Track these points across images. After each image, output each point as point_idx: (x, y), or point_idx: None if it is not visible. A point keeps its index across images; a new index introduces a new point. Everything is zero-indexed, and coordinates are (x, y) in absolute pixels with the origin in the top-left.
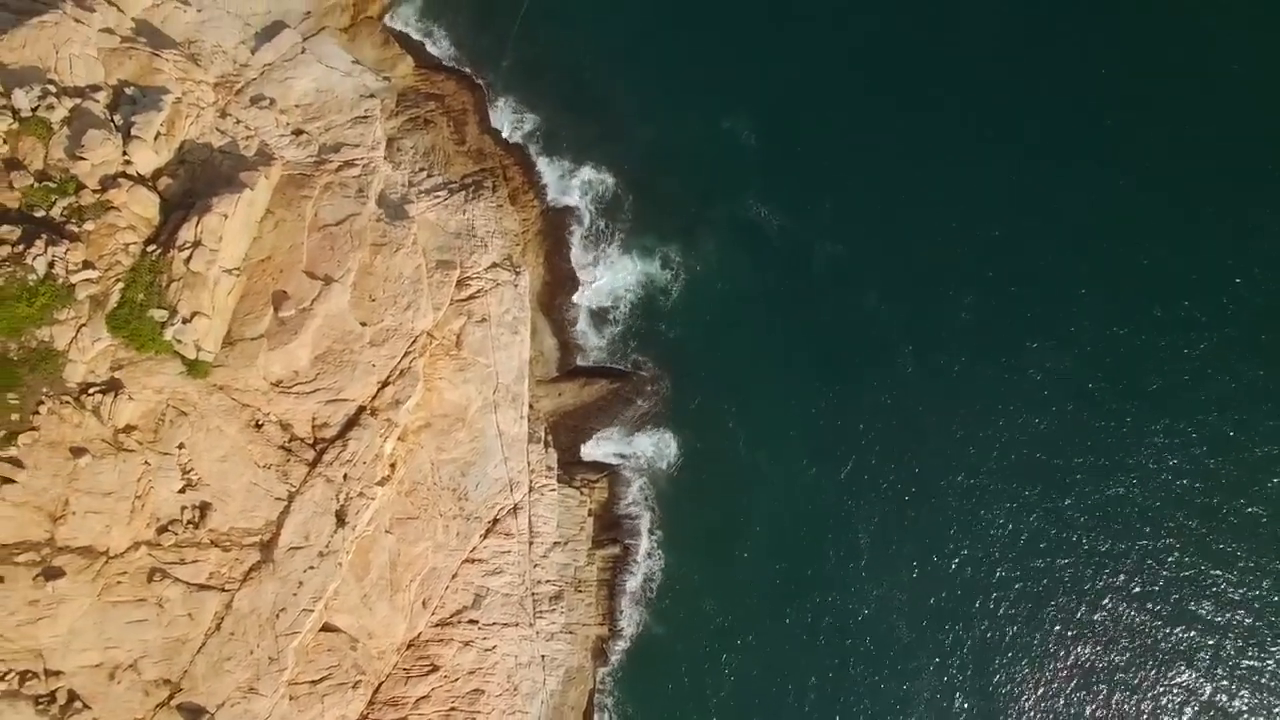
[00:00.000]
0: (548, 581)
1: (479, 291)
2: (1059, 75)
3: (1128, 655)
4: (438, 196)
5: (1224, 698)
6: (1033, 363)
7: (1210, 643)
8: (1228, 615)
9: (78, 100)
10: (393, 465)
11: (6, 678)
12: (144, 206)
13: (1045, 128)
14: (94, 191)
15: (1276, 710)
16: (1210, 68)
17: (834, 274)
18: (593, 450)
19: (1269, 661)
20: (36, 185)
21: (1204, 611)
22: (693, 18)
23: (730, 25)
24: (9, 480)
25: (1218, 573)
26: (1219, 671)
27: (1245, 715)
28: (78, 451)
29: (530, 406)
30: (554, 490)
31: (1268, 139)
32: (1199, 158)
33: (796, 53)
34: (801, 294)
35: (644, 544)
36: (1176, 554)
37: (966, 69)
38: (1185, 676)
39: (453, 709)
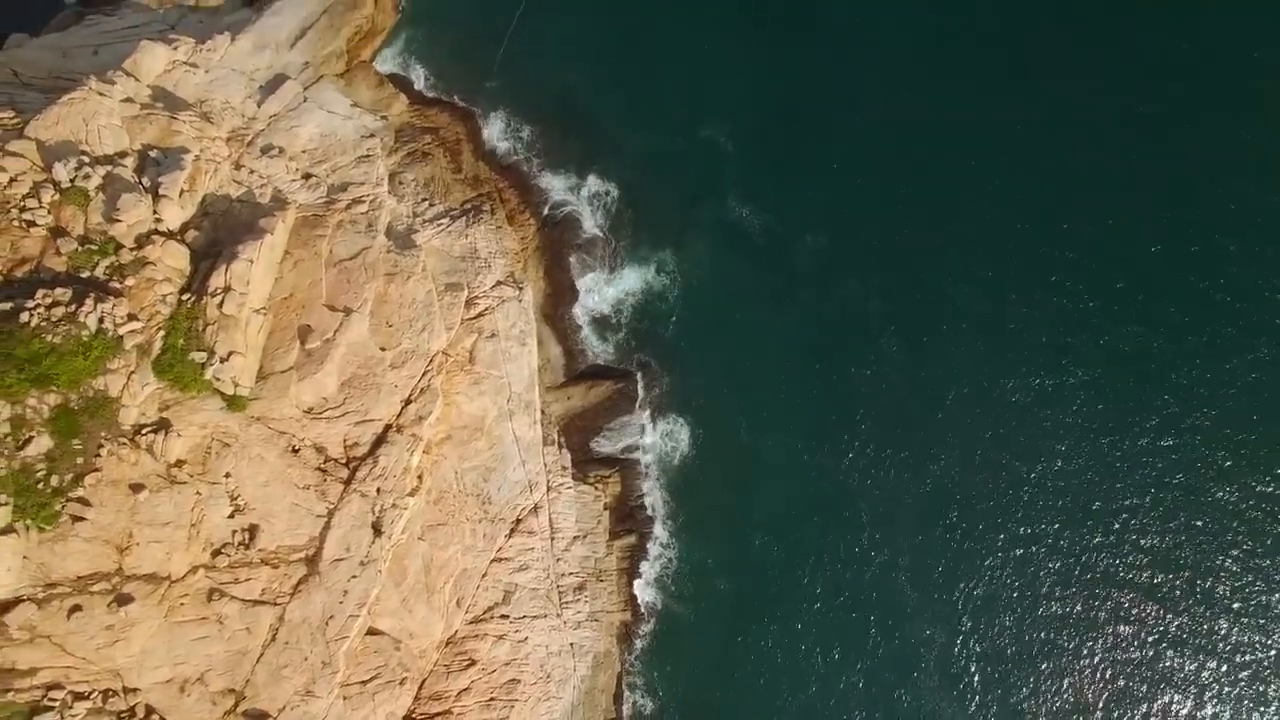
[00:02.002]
0: (571, 574)
1: (486, 309)
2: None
3: (1124, 609)
4: (441, 224)
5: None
6: (1010, 332)
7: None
8: (1218, 559)
9: (109, 167)
10: (420, 477)
11: (91, 697)
12: (176, 259)
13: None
14: (131, 249)
15: None
16: None
17: (818, 264)
18: (603, 447)
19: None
20: (80, 249)
21: (1198, 558)
22: (665, 36)
23: (701, 41)
24: (80, 518)
25: (1206, 523)
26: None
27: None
28: (136, 488)
29: (542, 412)
30: (570, 488)
31: None
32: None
33: (765, 63)
34: (789, 285)
35: (658, 532)
36: (1168, 511)
37: (929, 63)
38: (1177, 625)
39: (492, 699)
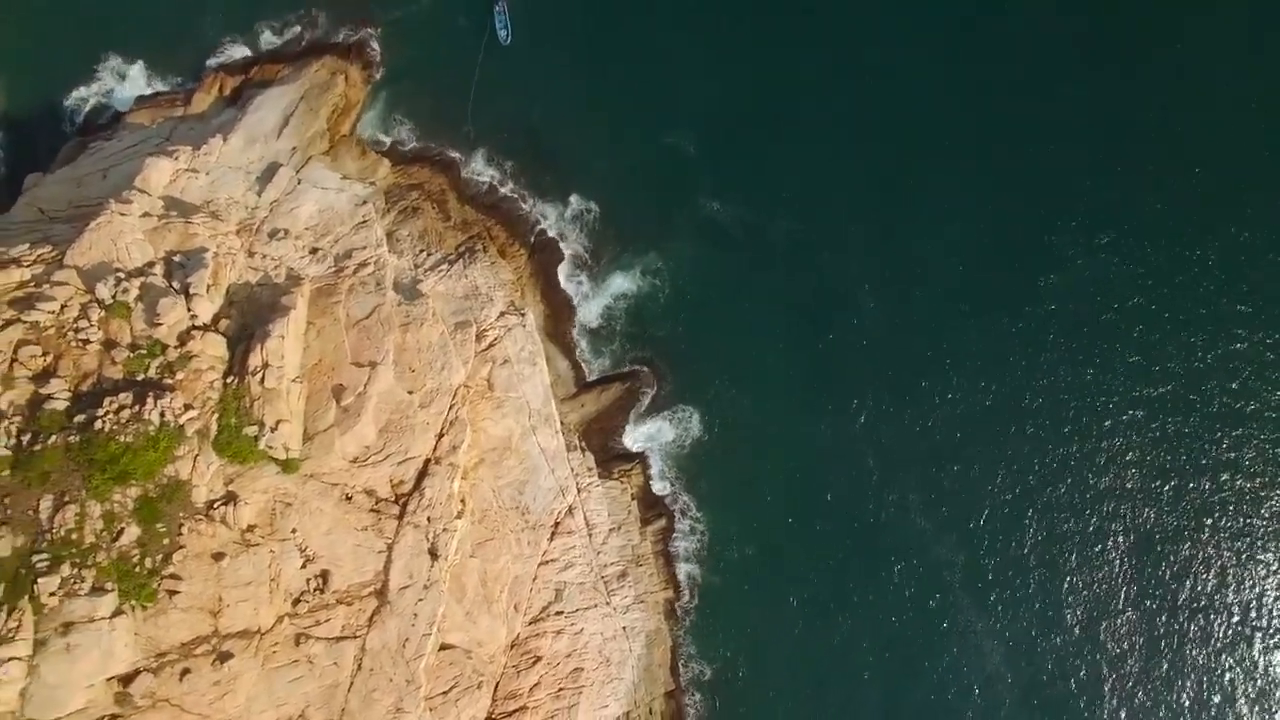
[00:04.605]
0: (612, 564)
1: (496, 339)
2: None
3: (1106, 535)
4: (441, 270)
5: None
6: (977, 280)
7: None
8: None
9: (142, 278)
10: (463, 500)
11: None
12: (216, 348)
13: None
14: (175, 347)
15: None
16: None
17: (792, 244)
18: (622, 444)
19: None
20: (132, 355)
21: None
22: (618, 59)
23: (651, 57)
24: (175, 591)
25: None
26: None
27: None
28: (218, 556)
29: (561, 422)
30: (598, 486)
31: None
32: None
33: (714, 67)
34: (769, 267)
35: (684, 511)
36: (1146, 448)
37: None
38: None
39: (561, 689)
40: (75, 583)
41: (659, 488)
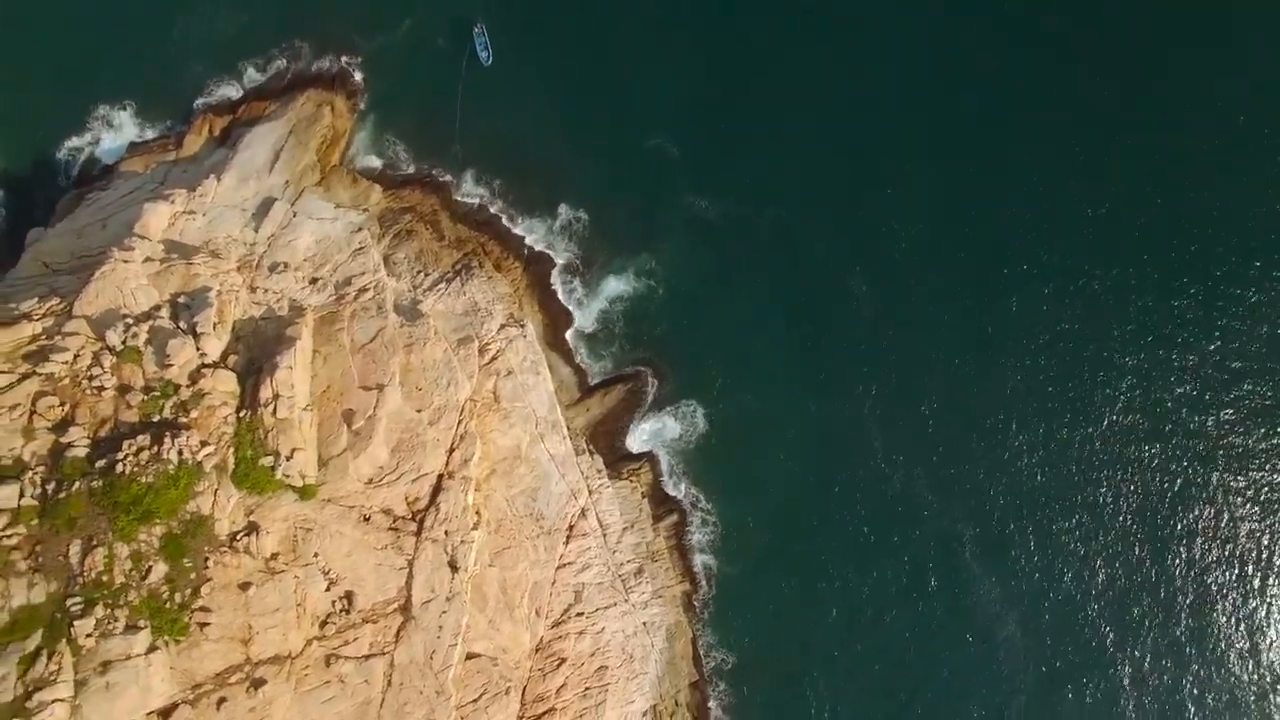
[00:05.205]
0: (628, 562)
1: (498, 352)
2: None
3: (1110, 488)
4: (439, 289)
5: None
6: (953, 252)
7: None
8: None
9: (149, 322)
10: (478, 512)
11: None
12: (227, 384)
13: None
14: (188, 386)
15: None
16: None
17: (778, 233)
18: (629, 444)
19: None
20: (146, 398)
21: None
22: (594, 70)
23: (625, 65)
24: (205, 623)
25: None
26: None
27: None
28: (245, 586)
29: (568, 427)
30: (609, 487)
31: None
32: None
33: (686, 70)
34: (757, 257)
35: (695, 504)
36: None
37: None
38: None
39: (587, 688)
40: (109, 622)
41: (669, 483)
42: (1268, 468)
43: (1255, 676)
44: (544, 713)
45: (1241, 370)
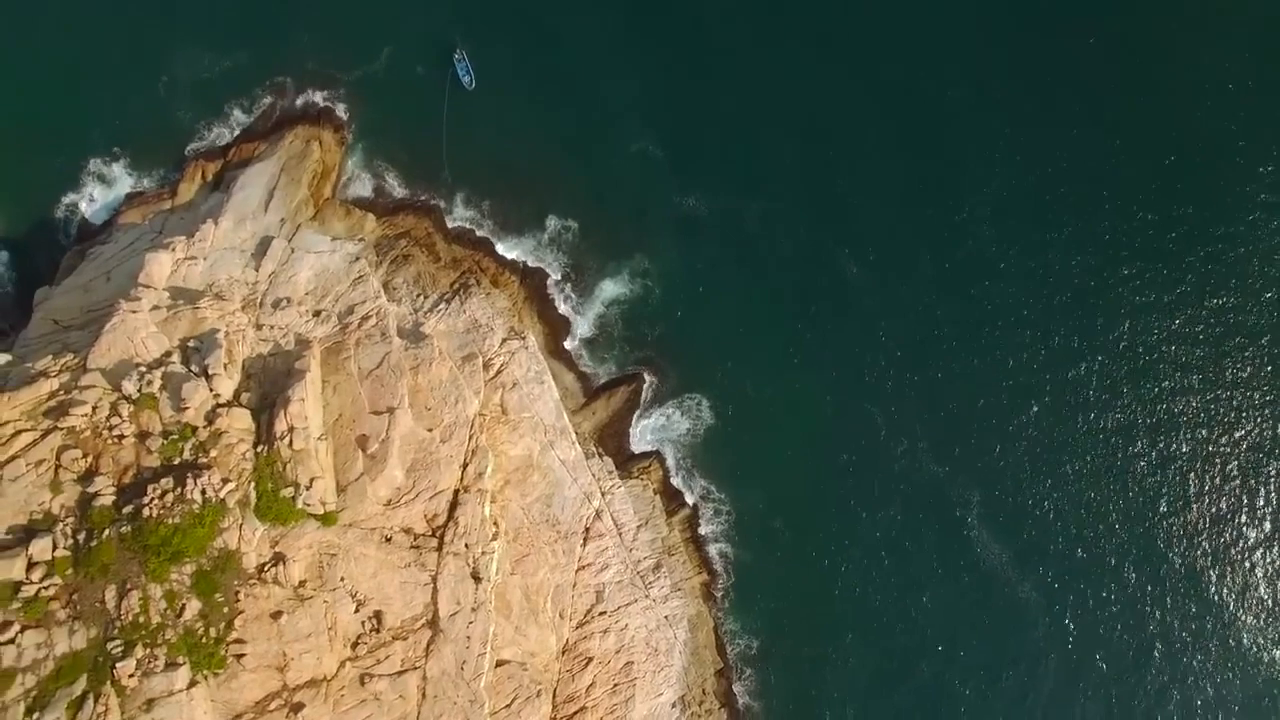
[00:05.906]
0: (645, 558)
1: (502, 365)
2: None
3: (1114, 456)
4: (440, 310)
5: None
6: (960, 246)
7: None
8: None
9: (162, 368)
10: (496, 522)
11: None
12: (242, 421)
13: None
14: (205, 427)
15: None
16: None
17: (767, 224)
18: (637, 443)
19: None
20: (165, 442)
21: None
22: (572, 81)
23: (602, 75)
24: (241, 655)
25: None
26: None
27: None
28: (276, 615)
29: (576, 432)
30: (620, 487)
31: None
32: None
33: (663, 73)
34: (749, 250)
35: (706, 495)
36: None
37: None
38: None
39: (615, 685)
40: (150, 661)
41: (679, 477)
42: None
43: None
44: (575, 712)
45: (1258, 325)
